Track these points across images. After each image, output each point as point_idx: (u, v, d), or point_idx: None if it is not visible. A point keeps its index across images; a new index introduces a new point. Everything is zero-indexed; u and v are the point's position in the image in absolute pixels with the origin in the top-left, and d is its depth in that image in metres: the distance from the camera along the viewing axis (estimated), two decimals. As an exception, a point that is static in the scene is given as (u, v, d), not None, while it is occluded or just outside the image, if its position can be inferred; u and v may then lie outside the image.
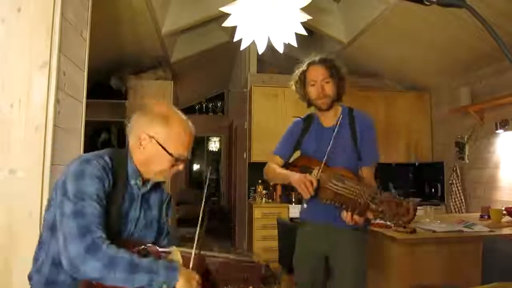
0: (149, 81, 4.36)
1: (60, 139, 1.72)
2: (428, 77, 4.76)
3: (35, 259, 1.14)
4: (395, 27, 3.61)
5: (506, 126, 3.61)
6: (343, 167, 1.76)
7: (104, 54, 3.89)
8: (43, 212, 1.61)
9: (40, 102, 1.63)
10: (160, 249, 1.14)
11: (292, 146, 1.96)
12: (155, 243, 1.25)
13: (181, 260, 1.11)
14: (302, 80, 1.90)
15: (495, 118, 3.75)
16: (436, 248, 2.28)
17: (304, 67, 1.91)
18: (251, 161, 4.69)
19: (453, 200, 4.21)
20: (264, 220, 4.34)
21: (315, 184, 1.64)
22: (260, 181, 4.67)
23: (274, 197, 4.67)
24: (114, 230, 1.13)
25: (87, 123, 2.02)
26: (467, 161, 4.20)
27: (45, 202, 1.60)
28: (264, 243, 4.21)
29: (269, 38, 2.42)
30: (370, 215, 1.57)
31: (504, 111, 3.65)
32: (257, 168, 4.79)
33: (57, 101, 1.67)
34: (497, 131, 3.70)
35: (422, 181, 5.02)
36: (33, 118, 1.61)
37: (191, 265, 1.10)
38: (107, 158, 1.15)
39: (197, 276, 1.07)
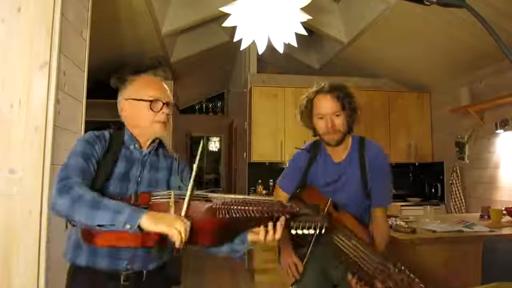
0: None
1: (60, 139, 1.72)
2: (428, 77, 4.76)
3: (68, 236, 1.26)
4: (395, 27, 3.61)
5: (506, 126, 3.61)
6: (354, 214, 1.59)
7: (104, 54, 3.89)
8: (43, 212, 1.61)
9: (40, 102, 1.63)
10: (157, 193, 1.17)
11: (297, 181, 1.76)
12: None
13: (173, 200, 1.11)
14: (309, 110, 1.66)
15: (495, 118, 3.75)
16: (436, 248, 2.28)
17: (310, 94, 1.66)
18: (251, 161, 4.69)
19: (453, 200, 4.21)
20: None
21: (300, 269, 1.57)
22: (260, 181, 4.68)
23: (274, 197, 4.66)
24: (118, 188, 1.22)
25: (87, 123, 2.02)
26: (467, 161, 4.20)
27: (45, 202, 1.60)
28: (263, 243, 4.20)
29: (269, 38, 2.41)
30: (379, 285, 1.34)
31: (504, 111, 3.65)
32: (257, 168, 4.81)
33: (57, 101, 1.67)
34: (497, 131, 3.70)
35: (422, 181, 5.02)
36: (33, 118, 1.61)
37: (184, 207, 1.07)
38: (106, 132, 1.31)
39: (173, 216, 1.04)
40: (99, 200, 1.06)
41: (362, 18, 3.72)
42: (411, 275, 1.32)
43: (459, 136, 4.31)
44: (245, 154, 5.07)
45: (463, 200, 4.14)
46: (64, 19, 1.72)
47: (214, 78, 7.57)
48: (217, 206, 1.09)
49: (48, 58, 1.65)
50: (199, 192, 1.14)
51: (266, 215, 1.08)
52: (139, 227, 1.01)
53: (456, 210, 4.17)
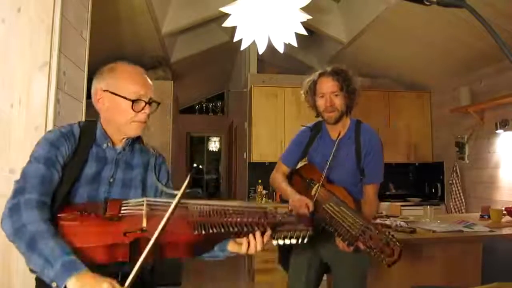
0: (149, 81, 4.36)
1: (60, 139, 1.71)
2: (428, 77, 4.76)
3: None
4: (395, 27, 3.61)
5: (506, 126, 3.61)
6: (345, 184, 1.76)
7: (104, 54, 3.88)
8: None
9: (40, 102, 1.63)
10: (128, 201, 1.09)
11: (298, 155, 1.95)
12: None
13: (145, 211, 1.03)
14: (312, 90, 1.84)
15: (495, 118, 3.75)
16: (436, 248, 2.28)
17: (314, 77, 1.84)
18: (251, 161, 4.68)
19: (453, 200, 4.21)
20: (264, 220, 4.34)
21: (311, 208, 1.65)
22: (260, 181, 4.67)
23: (274, 197, 4.67)
24: (87, 192, 1.12)
25: (87, 123, 2.02)
26: (467, 161, 4.20)
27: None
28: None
29: (269, 38, 2.42)
30: (360, 245, 1.56)
31: (504, 111, 3.65)
32: (257, 168, 4.81)
33: (57, 101, 1.67)
34: (497, 131, 3.70)
35: (422, 181, 5.02)
36: (33, 118, 1.61)
37: (164, 219, 0.92)
38: (75, 127, 1.17)
39: (107, 285, 0.86)
40: (37, 238, 0.92)
41: (362, 18, 3.72)
42: (391, 235, 1.50)
43: (459, 136, 4.31)
44: (245, 154, 5.07)
45: (463, 200, 4.14)
46: (64, 19, 1.72)
47: (214, 78, 7.57)
48: (193, 219, 1.02)
49: (48, 58, 1.65)
50: (158, 200, 1.09)
51: (245, 229, 1.04)
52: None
53: (456, 210, 4.17)
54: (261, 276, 3.97)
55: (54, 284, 0.88)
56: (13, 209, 0.97)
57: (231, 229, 1.02)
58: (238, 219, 1.04)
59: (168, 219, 0.93)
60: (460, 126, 4.31)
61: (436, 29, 3.40)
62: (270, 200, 4.64)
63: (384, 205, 3.19)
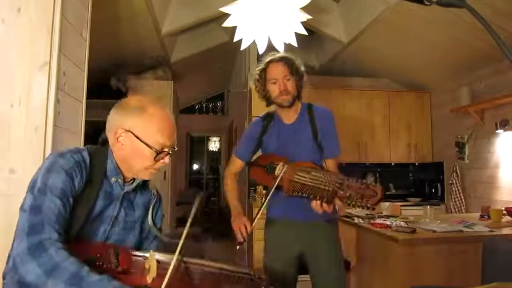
0: (149, 81, 4.36)
1: (60, 139, 1.71)
2: (428, 77, 4.76)
3: (8, 256, 1.04)
4: (395, 27, 3.61)
5: (506, 126, 3.61)
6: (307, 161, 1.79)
7: (104, 54, 3.89)
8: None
9: (40, 102, 1.62)
10: (135, 252, 1.06)
11: (253, 146, 1.99)
12: (139, 248, 1.18)
13: (155, 266, 1.01)
14: (263, 79, 1.89)
15: (495, 118, 3.75)
16: (436, 248, 2.28)
17: (263, 65, 1.90)
18: (251, 161, 4.68)
19: (453, 200, 4.21)
20: (264, 220, 4.34)
21: (249, 229, 1.72)
22: (260, 181, 4.66)
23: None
24: (86, 230, 1.05)
25: (87, 123, 2.02)
26: (467, 161, 4.20)
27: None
28: (263, 243, 4.20)
29: (269, 38, 2.41)
30: (338, 202, 1.59)
31: (504, 111, 3.65)
32: (257, 168, 4.80)
33: (57, 101, 1.67)
34: (497, 131, 3.70)
35: (422, 181, 5.02)
36: (33, 118, 1.61)
37: (168, 274, 0.96)
38: (85, 154, 1.08)
39: None
40: (81, 274, 0.88)
41: (362, 18, 3.72)
42: (368, 182, 1.52)
43: (459, 136, 4.31)
44: (245, 154, 5.06)
45: (463, 200, 4.14)
46: (64, 19, 1.72)
47: (214, 78, 7.56)
48: (197, 282, 1.06)
49: (48, 58, 1.64)
50: (162, 254, 1.07)
51: None
52: None
53: (456, 210, 4.17)
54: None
55: None
56: (36, 249, 0.88)
57: None
58: (232, 286, 1.08)
59: (172, 278, 0.96)
60: (460, 126, 4.31)
61: (436, 29, 3.40)
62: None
63: (384, 205, 3.19)
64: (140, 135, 1.07)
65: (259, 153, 2.06)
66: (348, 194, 1.52)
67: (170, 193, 4.46)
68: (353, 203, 1.51)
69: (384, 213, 3.09)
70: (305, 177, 1.65)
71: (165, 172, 4.24)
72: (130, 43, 4.05)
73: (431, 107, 4.97)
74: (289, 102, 1.85)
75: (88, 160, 1.07)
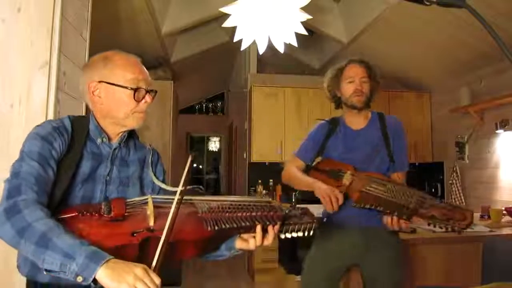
0: (149, 81, 4.35)
1: (60, 139, 1.71)
2: (428, 77, 4.76)
3: None
4: (395, 27, 3.61)
5: (506, 126, 3.61)
6: (376, 172, 1.68)
7: (104, 54, 3.89)
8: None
9: (40, 102, 1.63)
10: (132, 199, 1.05)
11: (316, 149, 1.84)
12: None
13: (152, 209, 0.99)
14: (338, 77, 1.82)
15: (495, 118, 3.75)
16: (436, 248, 2.28)
17: (342, 64, 1.84)
18: (251, 161, 4.68)
19: (453, 200, 4.21)
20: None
21: (340, 202, 1.56)
22: (260, 181, 4.68)
23: (274, 197, 4.67)
24: (82, 191, 1.06)
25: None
26: (467, 161, 4.20)
27: (45, 202, 1.59)
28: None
29: (269, 38, 2.42)
30: (416, 221, 1.50)
31: (504, 111, 3.65)
32: (257, 168, 4.81)
33: (57, 101, 1.67)
34: (497, 131, 3.70)
35: (422, 181, 5.01)
36: (33, 118, 1.61)
37: (170, 213, 0.91)
38: (66, 120, 1.09)
39: (141, 270, 0.82)
40: (49, 235, 0.85)
41: (362, 18, 3.72)
42: (454, 204, 1.43)
43: (459, 136, 4.30)
44: (245, 154, 5.07)
45: (463, 200, 4.14)
46: (64, 19, 1.72)
47: (214, 78, 7.57)
48: (203, 215, 1.00)
49: (48, 58, 1.65)
50: (162, 197, 1.05)
51: (257, 223, 1.02)
52: (93, 280, 0.81)
53: (456, 210, 4.16)
54: (261, 276, 3.97)
55: (79, 279, 0.81)
56: (11, 210, 0.88)
57: (243, 223, 1.00)
58: (249, 213, 1.02)
59: (175, 215, 0.90)
60: (460, 126, 4.31)
61: (436, 29, 3.40)
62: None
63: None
64: (112, 80, 1.08)
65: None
66: (431, 214, 1.42)
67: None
68: (437, 223, 1.41)
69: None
70: (379, 189, 1.53)
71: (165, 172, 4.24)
72: (130, 43, 4.04)
73: (431, 107, 4.96)
74: (362, 103, 1.76)
75: (69, 126, 1.08)
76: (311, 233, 1.06)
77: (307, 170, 1.85)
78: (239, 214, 1.02)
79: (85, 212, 0.98)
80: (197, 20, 3.95)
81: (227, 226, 0.98)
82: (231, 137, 7.60)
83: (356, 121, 1.82)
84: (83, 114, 2.00)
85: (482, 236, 2.22)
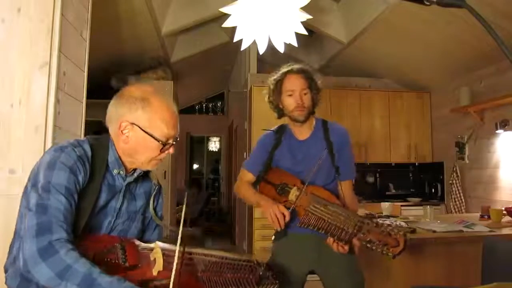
0: (149, 81, 4.36)
1: (60, 139, 1.71)
2: (428, 77, 4.76)
3: (10, 250, 1.07)
4: (395, 27, 3.61)
5: (506, 126, 3.61)
6: (323, 186, 1.67)
7: (104, 54, 3.89)
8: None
9: (40, 102, 1.63)
10: (141, 245, 1.08)
11: (263, 161, 1.82)
12: (141, 237, 1.19)
13: (161, 257, 1.03)
14: (278, 89, 1.76)
15: (495, 118, 3.75)
16: (436, 248, 2.28)
17: (280, 75, 1.77)
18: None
19: (453, 200, 4.21)
20: (264, 220, 4.34)
21: (287, 218, 1.57)
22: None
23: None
24: (91, 223, 1.05)
25: (87, 123, 2.02)
26: (467, 161, 4.20)
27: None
28: (264, 243, 4.21)
29: (269, 38, 2.42)
30: (356, 243, 1.49)
31: (504, 111, 3.65)
32: (257, 168, 4.80)
33: (57, 101, 1.67)
34: (497, 131, 3.70)
35: (422, 181, 5.02)
36: (33, 118, 1.61)
37: (174, 264, 0.97)
38: (86, 146, 1.06)
39: None
40: (93, 275, 0.88)
41: (362, 18, 3.72)
42: (390, 226, 1.43)
43: (459, 136, 4.31)
44: (245, 154, 5.06)
45: (463, 200, 4.14)
46: (64, 19, 1.72)
47: (214, 78, 7.57)
48: (201, 274, 1.07)
49: (48, 58, 1.65)
50: (167, 245, 1.09)
51: (241, 287, 1.09)
52: None
53: (456, 210, 4.17)
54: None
55: None
56: (46, 251, 0.88)
57: (229, 287, 1.07)
58: (237, 275, 1.08)
59: (178, 274, 0.96)
60: (460, 126, 4.31)
61: (436, 29, 3.40)
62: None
63: (384, 205, 3.19)
64: (145, 128, 1.07)
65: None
66: (368, 239, 1.42)
67: (170, 193, 4.46)
68: (374, 248, 1.41)
69: (384, 213, 3.08)
70: (321, 210, 1.54)
71: (165, 172, 4.24)
72: (130, 43, 4.04)
73: (431, 107, 4.97)
74: (304, 117, 1.72)
75: (90, 153, 1.06)
76: None
77: (259, 183, 1.85)
78: (228, 276, 1.08)
79: (102, 256, 1.00)
80: (197, 20, 3.95)
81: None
82: (231, 137, 7.60)
83: (300, 131, 1.79)
84: (83, 114, 2.00)
85: (482, 236, 2.21)
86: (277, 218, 1.58)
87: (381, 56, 4.52)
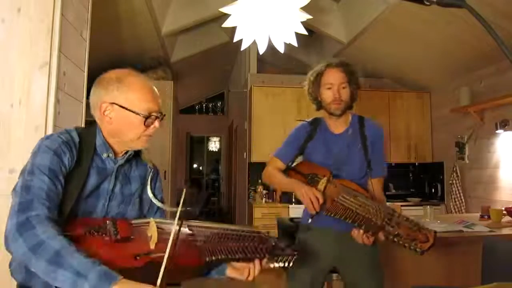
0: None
1: (60, 139, 1.71)
2: (428, 77, 4.76)
3: None
4: (395, 27, 3.61)
5: (506, 126, 3.61)
6: (352, 180, 1.66)
7: (104, 54, 3.89)
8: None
9: (40, 102, 1.63)
10: (135, 221, 1.08)
11: (296, 150, 1.82)
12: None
13: (155, 233, 1.02)
14: (318, 82, 1.77)
15: (495, 118, 3.75)
16: (436, 248, 2.27)
17: (321, 68, 1.77)
18: (251, 161, 4.69)
19: (453, 200, 4.21)
20: (264, 220, 4.35)
21: (321, 201, 1.54)
22: (260, 181, 4.67)
23: (274, 197, 4.67)
24: (84, 206, 1.06)
25: (87, 123, 2.02)
26: (467, 161, 4.20)
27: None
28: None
29: (269, 38, 2.42)
30: (381, 237, 1.48)
31: (504, 111, 3.65)
32: (257, 168, 4.80)
33: (57, 101, 1.67)
34: (497, 131, 3.70)
35: (422, 181, 5.02)
36: (33, 118, 1.61)
37: (171, 237, 0.95)
38: (73, 133, 1.09)
39: None
40: (63, 253, 0.86)
41: (362, 18, 3.72)
42: (418, 222, 1.42)
43: (459, 136, 4.31)
44: (245, 154, 5.07)
45: (463, 200, 4.14)
46: (64, 19, 1.72)
47: (214, 78, 7.57)
48: (202, 244, 1.06)
49: (48, 58, 1.65)
50: (164, 221, 1.09)
51: (248, 255, 1.09)
52: None
53: (456, 210, 4.17)
54: (261, 276, 3.96)
55: None
56: (23, 225, 0.89)
57: (236, 255, 1.07)
58: (241, 244, 1.08)
59: (175, 243, 0.94)
60: (460, 126, 4.31)
61: (436, 29, 3.40)
62: (270, 200, 4.64)
63: (384, 205, 3.19)
64: (125, 104, 1.09)
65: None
66: (397, 232, 1.41)
67: (170, 193, 4.46)
68: (401, 242, 1.40)
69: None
70: (350, 201, 1.53)
71: (165, 172, 4.24)
72: (130, 43, 4.05)
73: (431, 107, 4.97)
74: (341, 110, 1.72)
75: (77, 139, 1.08)
76: (291, 264, 1.13)
77: (286, 171, 1.83)
78: (233, 244, 1.08)
79: (93, 232, 0.99)
80: (197, 20, 3.95)
81: (223, 257, 1.07)
82: (231, 137, 7.60)
83: (336, 125, 1.80)
84: (83, 114, 2.00)
85: (482, 236, 2.21)
86: (311, 202, 1.55)
87: (381, 56, 4.52)
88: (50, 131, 1.63)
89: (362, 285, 1.68)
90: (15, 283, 1.06)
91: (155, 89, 1.16)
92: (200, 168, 10.31)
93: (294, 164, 1.83)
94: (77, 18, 1.89)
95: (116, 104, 1.09)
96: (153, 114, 1.12)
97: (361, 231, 1.50)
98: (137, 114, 1.09)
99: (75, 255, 0.87)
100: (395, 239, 1.42)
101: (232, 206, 6.86)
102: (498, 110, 3.72)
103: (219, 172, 9.69)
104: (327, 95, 1.74)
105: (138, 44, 4.10)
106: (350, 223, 1.53)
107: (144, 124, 1.11)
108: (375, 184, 1.75)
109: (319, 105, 1.81)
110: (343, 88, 1.72)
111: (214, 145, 10.20)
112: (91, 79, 1.22)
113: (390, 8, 3.26)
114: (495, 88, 3.74)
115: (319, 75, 1.77)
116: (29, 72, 1.62)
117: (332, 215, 1.55)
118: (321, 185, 1.62)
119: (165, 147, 4.31)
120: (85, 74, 2.01)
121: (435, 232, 1.41)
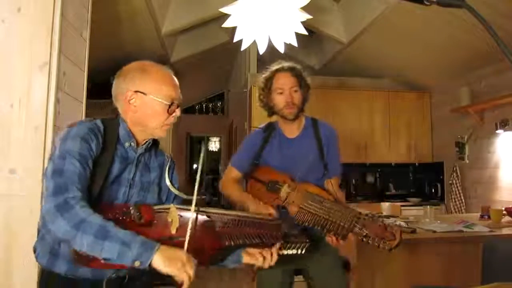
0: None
1: (60, 139, 1.71)
2: (428, 77, 4.76)
3: (38, 229, 1.13)
4: (395, 27, 3.61)
5: (506, 126, 3.61)
6: (313, 183, 1.67)
7: (104, 54, 3.89)
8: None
9: (40, 102, 1.63)
10: (157, 207, 1.11)
11: (251, 158, 1.81)
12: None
13: (177, 218, 1.07)
14: (268, 87, 1.78)
15: (495, 118, 3.75)
16: (436, 248, 2.28)
17: (270, 73, 1.79)
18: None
19: (453, 200, 4.21)
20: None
21: (275, 214, 1.55)
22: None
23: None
24: (107, 192, 1.11)
25: (87, 123, 2.01)
26: (467, 161, 4.20)
27: (45, 202, 1.59)
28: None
29: (269, 38, 2.42)
30: (351, 237, 1.50)
31: (504, 111, 3.65)
32: (257, 168, 4.80)
33: (57, 101, 1.67)
34: (497, 131, 3.70)
35: (422, 181, 5.02)
36: (33, 118, 1.61)
37: (189, 225, 1.02)
38: (98, 122, 1.15)
39: (185, 257, 0.97)
40: (106, 228, 0.95)
41: (362, 18, 3.72)
42: (385, 220, 1.46)
43: (459, 136, 4.31)
44: (245, 154, 5.06)
45: (463, 200, 4.14)
46: (64, 19, 1.72)
47: (214, 78, 7.57)
48: (220, 229, 1.09)
49: (48, 58, 1.65)
50: (183, 207, 1.12)
51: (265, 241, 1.11)
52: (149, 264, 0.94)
53: (456, 210, 4.17)
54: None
55: (137, 264, 0.93)
56: (63, 207, 0.95)
57: (253, 240, 1.10)
58: (258, 230, 1.11)
59: (194, 227, 1.01)
60: (460, 126, 4.31)
61: (436, 29, 3.40)
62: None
63: (384, 205, 3.19)
64: (149, 93, 1.15)
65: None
66: (365, 233, 1.44)
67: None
68: (370, 242, 1.43)
69: (384, 213, 3.08)
70: (316, 207, 1.54)
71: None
72: (130, 43, 4.04)
73: (431, 107, 4.97)
74: (294, 114, 1.74)
75: (102, 127, 1.13)
76: (303, 251, 1.18)
77: (247, 180, 1.82)
78: (249, 230, 1.11)
79: (118, 216, 1.04)
80: (197, 20, 3.95)
81: (240, 241, 1.10)
82: (231, 137, 7.59)
83: (290, 129, 1.80)
84: (83, 114, 2.00)
85: (482, 236, 2.22)
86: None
87: (381, 56, 4.52)
88: (50, 131, 1.63)
89: (329, 283, 1.73)
90: (17, 278, 1.09)
91: (175, 78, 1.24)
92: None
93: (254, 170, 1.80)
94: (77, 18, 1.89)
95: (141, 92, 1.14)
96: (175, 101, 1.19)
97: (334, 237, 1.52)
98: (161, 101, 1.15)
99: (117, 228, 0.96)
100: (364, 239, 1.45)
101: (232, 206, 6.86)
102: (498, 110, 3.72)
103: (218, 172, 9.69)
104: (279, 100, 1.75)
105: (138, 44, 4.10)
106: (319, 229, 1.54)
107: (168, 111, 1.17)
108: (332, 183, 1.78)
109: (271, 111, 1.82)
110: (295, 91, 1.74)
111: (214, 145, 10.20)
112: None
113: (390, 8, 3.26)
114: (495, 88, 3.74)
115: (269, 81, 1.78)
116: (29, 72, 1.63)
117: (301, 223, 1.56)
118: (283, 193, 1.62)
119: (165, 147, 4.31)
120: (85, 74, 2.01)
121: (401, 229, 1.45)
